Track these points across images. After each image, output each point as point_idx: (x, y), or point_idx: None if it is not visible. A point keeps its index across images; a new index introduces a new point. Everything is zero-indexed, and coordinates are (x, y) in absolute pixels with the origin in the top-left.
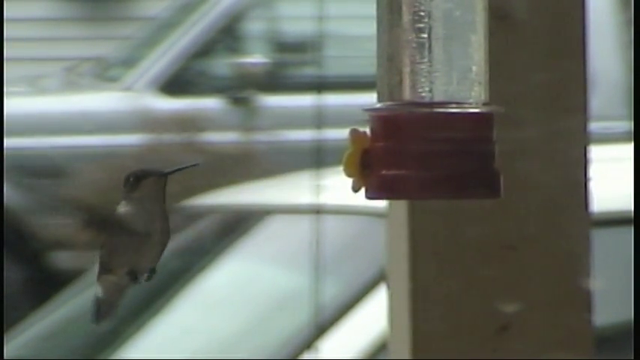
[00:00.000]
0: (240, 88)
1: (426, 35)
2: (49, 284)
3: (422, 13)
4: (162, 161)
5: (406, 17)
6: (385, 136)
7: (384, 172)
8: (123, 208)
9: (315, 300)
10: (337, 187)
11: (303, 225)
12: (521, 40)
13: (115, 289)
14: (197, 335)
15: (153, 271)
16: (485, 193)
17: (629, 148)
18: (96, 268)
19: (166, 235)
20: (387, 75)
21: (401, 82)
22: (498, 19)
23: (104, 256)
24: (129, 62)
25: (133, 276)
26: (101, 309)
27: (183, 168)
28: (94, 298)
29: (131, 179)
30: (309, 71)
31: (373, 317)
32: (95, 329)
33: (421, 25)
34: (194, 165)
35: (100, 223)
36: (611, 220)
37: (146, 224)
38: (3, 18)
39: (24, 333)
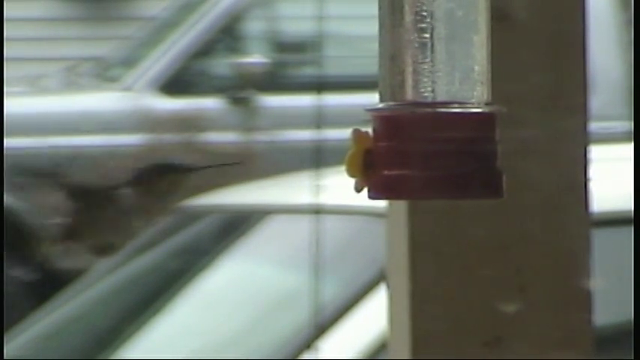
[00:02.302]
0: (240, 88)
1: (428, 35)
2: (49, 284)
3: (424, 13)
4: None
5: (408, 17)
6: (388, 136)
7: (386, 172)
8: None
9: (315, 300)
10: (337, 187)
11: (303, 225)
12: (521, 40)
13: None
14: (197, 335)
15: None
16: (488, 193)
17: (629, 148)
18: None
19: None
20: (389, 75)
21: (403, 82)
22: (498, 19)
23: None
24: (129, 62)
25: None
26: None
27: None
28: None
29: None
30: (309, 71)
31: (373, 317)
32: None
33: (423, 25)
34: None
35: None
36: (611, 220)
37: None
38: (3, 18)
39: (24, 333)
